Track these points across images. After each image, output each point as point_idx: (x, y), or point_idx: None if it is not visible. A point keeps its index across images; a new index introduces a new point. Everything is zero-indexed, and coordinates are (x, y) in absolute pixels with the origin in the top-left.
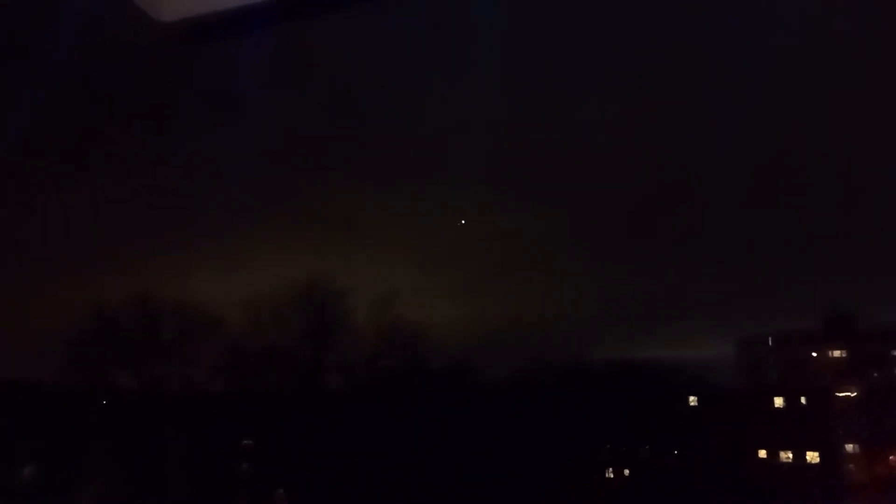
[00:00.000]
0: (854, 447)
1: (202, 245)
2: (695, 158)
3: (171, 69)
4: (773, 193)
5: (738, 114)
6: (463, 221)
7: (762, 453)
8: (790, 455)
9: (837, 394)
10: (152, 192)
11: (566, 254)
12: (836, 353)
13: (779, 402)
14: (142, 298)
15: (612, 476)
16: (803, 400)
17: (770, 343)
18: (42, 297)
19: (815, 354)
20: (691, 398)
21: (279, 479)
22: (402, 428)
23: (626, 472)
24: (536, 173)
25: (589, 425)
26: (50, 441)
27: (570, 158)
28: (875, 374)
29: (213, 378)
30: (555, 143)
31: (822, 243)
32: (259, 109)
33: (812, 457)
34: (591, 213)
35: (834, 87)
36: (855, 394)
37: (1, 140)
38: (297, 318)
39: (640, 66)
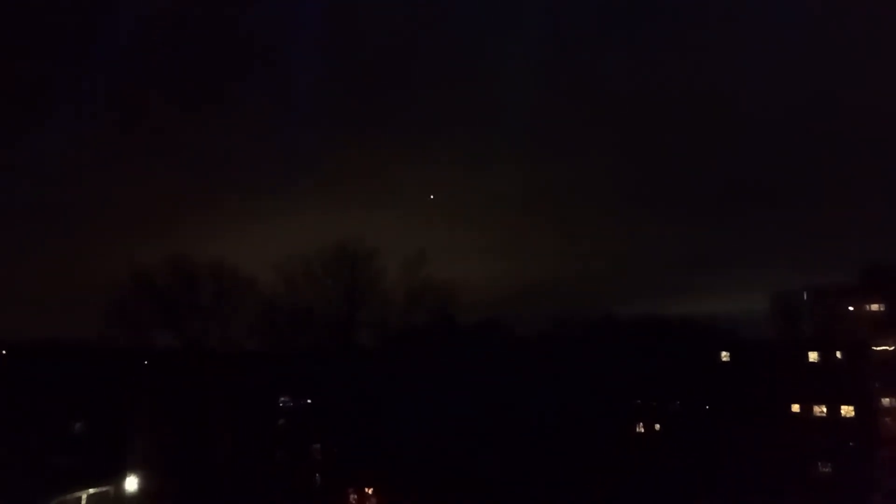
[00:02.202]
0: (890, 401)
1: (235, 206)
2: (731, 107)
3: (207, 29)
4: (811, 144)
5: (782, 63)
6: (432, 196)
7: (795, 408)
8: (824, 409)
9: (874, 347)
10: (187, 155)
11: (596, 208)
12: (874, 307)
13: (813, 356)
14: (179, 259)
15: (642, 430)
16: (839, 354)
17: (805, 297)
18: (86, 260)
19: (851, 308)
20: (723, 353)
21: (315, 435)
22: (433, 384)
23: (657, 426)
24: (568, 127)
25: (619, 380)
26: (96, 398)
27: (602, 111)
28: None
29: (249, 336)
30: (587, 95)
31: (861, 195)
32: (293, 69)
33: (847, 411)
34: (622, 165)
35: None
36: (893, 347)
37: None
38: (330, 278)
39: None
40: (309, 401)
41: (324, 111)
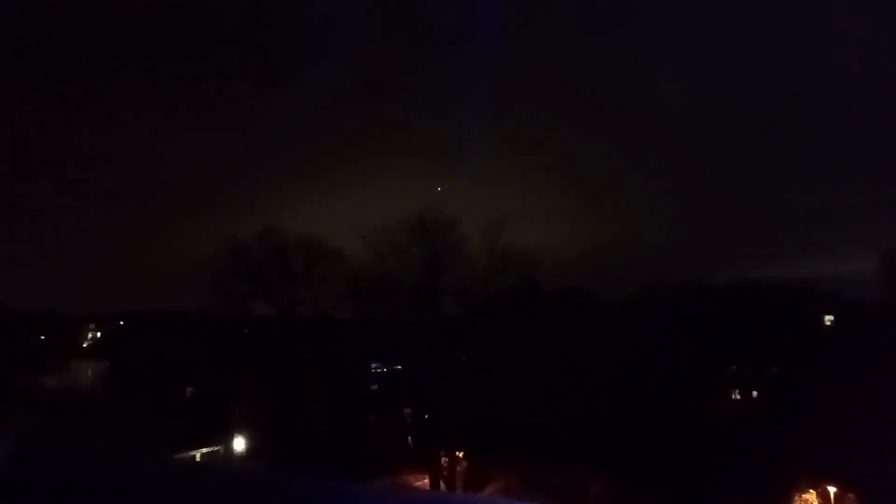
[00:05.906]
0: None
1: (319, 179)
2: (828, 58)
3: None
4: None
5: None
6: (439, 189)
7: None
8: None
9: None
10: (266, 132)
11: (683, 163)
12: None
13: None
14: (271, 233)
15: (738, 398)
16: None
17: None
18: (188, 235)
19: None
20: (826, 317)
21: (406, 399)
22: (517, 351)
23: (754, 393)
24: (643, 81)
25: (711, 347)
26: (203, 365)
27: (680, 60)
28: None
29: (339, 305)
30: (662, 47)
31: None
32: (367, 40)
33: None
34: (709, 115)
35: None
36: None
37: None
38: (413, 247)
39: None
40: (399, 367)
41: (401, 80)
